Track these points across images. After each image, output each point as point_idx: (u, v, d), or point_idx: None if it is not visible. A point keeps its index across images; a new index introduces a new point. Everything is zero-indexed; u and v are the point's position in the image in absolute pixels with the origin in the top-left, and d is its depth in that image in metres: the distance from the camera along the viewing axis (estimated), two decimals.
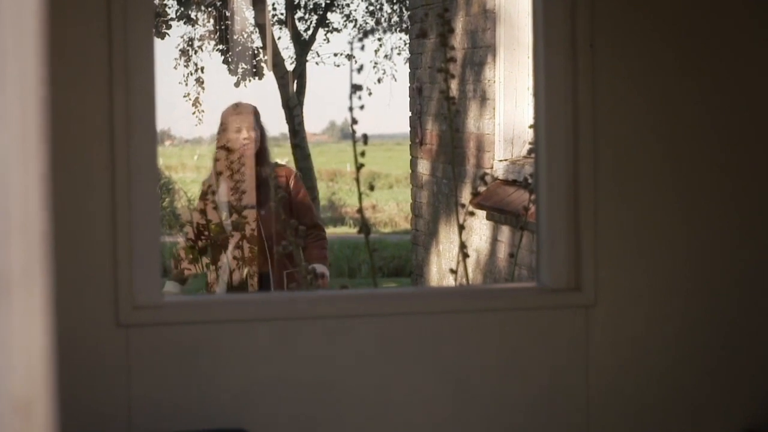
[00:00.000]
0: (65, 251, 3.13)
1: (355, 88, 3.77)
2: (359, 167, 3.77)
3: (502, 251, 5.88)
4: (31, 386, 0.89)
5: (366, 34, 3.80)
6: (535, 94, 3.46)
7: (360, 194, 3.79)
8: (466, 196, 5.23)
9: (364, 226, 3.85)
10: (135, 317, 3.17)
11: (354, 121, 3.76)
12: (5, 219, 0.88)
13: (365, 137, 3.76)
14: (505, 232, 5.90)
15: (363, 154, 3.77)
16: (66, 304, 3.13)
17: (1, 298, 0.87)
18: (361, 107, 3.75)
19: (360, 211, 3.82)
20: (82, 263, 3.14)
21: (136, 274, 3.18)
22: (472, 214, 3.96)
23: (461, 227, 3.94)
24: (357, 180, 3.80)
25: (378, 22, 3.58)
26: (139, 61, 3.18)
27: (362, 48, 3.80)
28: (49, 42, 3.08)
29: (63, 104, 3.12)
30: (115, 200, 3.14)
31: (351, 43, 3.74)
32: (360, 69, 3.80)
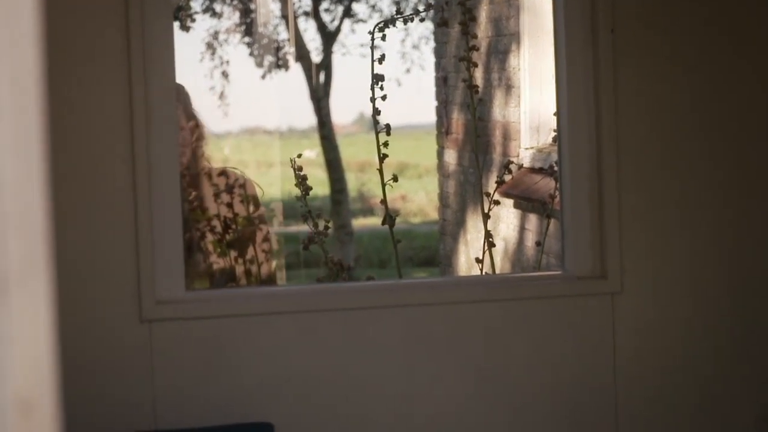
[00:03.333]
0: (87, 248, 3.13)
1: (377, 78, 3.76)
2: (383, 158, 3.75)
3: (530, 240, 5.85)
4: (34, 387, 0.88)
5: (386, 23, 3.77)
6: (557, 82, 3.43)
7: (384, 185, 3.77)
8: (491, 185, 5.19)
9: (389, 217, 3.83)
10: (158, 312, 3.16)
11: (377, 112, 3.74)
12: (2, 218, 0.87)
13: (388, 127, 3.74)
14: (532, 220, 5.87)
15: (386, 144, 3.75)
16: (89, 300, 3.13)
17: (1, 298, 0.86)
18: (383, 98, 3.73)
19: (384, 202, 3.80)
20: (105, 259, 3.14)
21: (158, 269, 3.17)
22: (497, 203, 3.94)
23: (486, 216, 3.92)
24: (380, 171, 3.78)
25: (398, 11, 3.56)
26: (158, 55, 3.17)
27: (383, 38, 3.76)
28: (67, 38, 3.07)
29: (82, 100, 3.11)
30: (137, 195, 3.14)
31: (372, 33, 3.72)
32: (381, 59, 3.78)
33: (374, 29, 3.74)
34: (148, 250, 3.15)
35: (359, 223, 14.64)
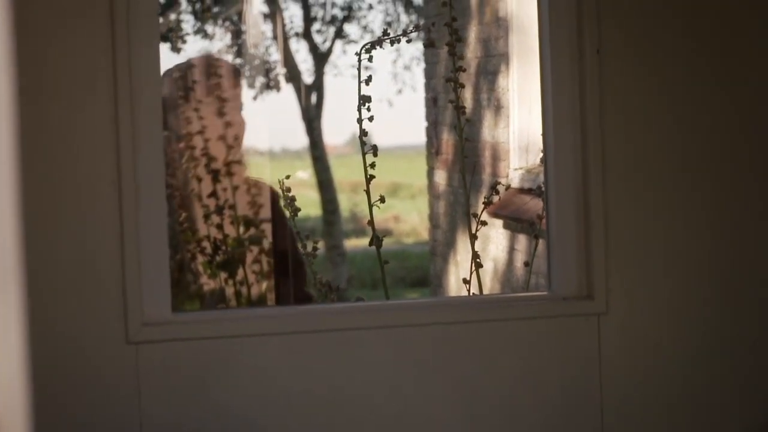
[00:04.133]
0: (73, 268, 3.12)
1: (365, 99, 3.76)
2: (370, 179, 3.75)
3: (520, 260, 5.86)
4: (4, 405, 0.88)
5: (374, 45, 3.78)
6: (543, 102, 3.44)
7: (371, 206, 3.78)
8: (480, 205, 5.20)
9: (376, 238, 3.83)
10: (144, 334, 3.16)
11: (364, 133, 3.74)
12: None
13: (375, 148, 3.75)
14: (522, 240, 5.88)
15: (373, 165, 3.76)
16: (75, 321, 3.13)
17: None
18: (371, 119, 3.73)
19: (371, 223, 3.80)
20: (91, 280, 3.14)
21: (145, 291, 3.17)
22: (484, 223, 3.94)
23: (474, 237, 3.92)
24: (367, 192, 3.79)
25: (386, 33, 3.57)
26: (144, 76, 3.18)
27: (370, 59, 3.78)
28: (54, 61, 3.07)
29: (69, 122, 3.12)
30: (123, 216, 3.14)
31: (359, 54, 3.73)
32: (368, 80, 3.78)
33: (361, 50, 3.75)
34: (134, 271, 3.15)
35: (352, 243, 14.63)
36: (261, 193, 4.62)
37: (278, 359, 3.26)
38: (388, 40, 3.86)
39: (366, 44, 3.79)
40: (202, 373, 3.21)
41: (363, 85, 3.79)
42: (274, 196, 4.39)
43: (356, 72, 3.77)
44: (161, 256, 3.20)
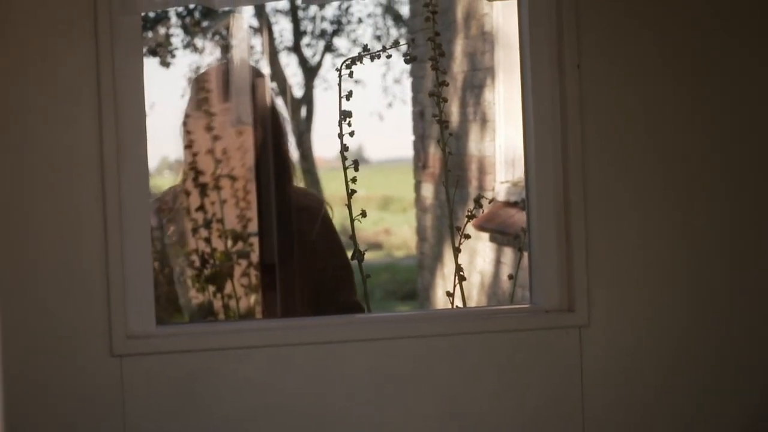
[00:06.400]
0: (57, 282, 3.14)
1: (345, 114, 3.79)
2: (351, 193, 3.79)
3: (505, 273, 5.89)
4: None
5: (354, 60, 3.82)
6: (524, 116, 3.48)
7: (352, 220, 3.81)
8: (461, 219, 5.23)
9: (357, 251, 3.86)
10: (129, 347, 3.18)
11: (345, 148, 3.77)
12: None
13: (356, 163, 3.78)
14: (508, 253, 5.91)
15: (354, 180, 3.79)
16: (59, 335, 3.14)
17: None
18: (351, 134, 3.76)
19: (353, 237, 3.84)
20: (75, 294, 3.16)
21: (129, 304, 3.19)
22: (468, 237, 3.97)
23: (457, 250, 3.95)
24: (349, 206, 3.82)
25: (365, 48, 3.60)
26: (129, 91, 3.20)
27: (350, 75, 3.81)
28: (37, 76, 3.10)
29: (52, 138, 3.14)
30: (107, 230, 3.16)
31: (339, 69, 3.76)
32: (349, 96, 3.80)
33: (342, 66, 3.78)
34: (119, 284, 3.17)
35: None
36: (311, 203, 4.59)
37: (261, 372, 3.28)
38: (369, 56, 3.89)
39: (346, 59, 3.82)
40: (187, 386, 3.23)
41: (344, 100, 3.81)
42: (323, 209, 4.41)
43: (345, 86, 3.80)
44: (145, 270, 3.23)
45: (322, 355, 3.32)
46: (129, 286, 3.19)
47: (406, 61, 4.23)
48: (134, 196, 3.21)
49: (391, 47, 3.95)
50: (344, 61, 3.79)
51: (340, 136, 3.74)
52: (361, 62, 3.81)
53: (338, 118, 3.74)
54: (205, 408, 3.24)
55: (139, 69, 3.23)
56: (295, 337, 3.33)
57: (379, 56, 3.86)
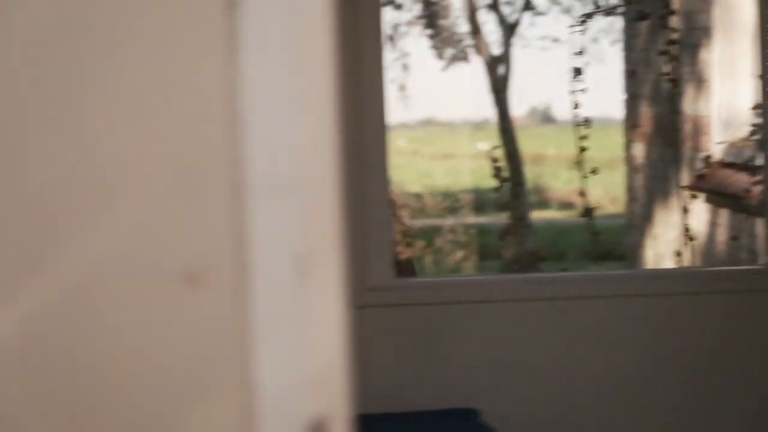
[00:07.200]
0: None
1: (577, 71, 3.80)
2: (582, 150, 3.80)
3: (721, 234, 5.80)
4: (329, 360, 0.93)
5: (588, 16, 3.80)
6: (762, 76, 3.43)
7: (584, 177, 3.82)
8: (685, 178, 5.18)
9: (586, 209, 3.88)
10: (369, 298, 3.26)
11: (576, 105, 3.78)
12: (304, 205, 0.92)
13: (587, 120, 3.79)
14: (723, 215, 5.81)
15: (585, 137, 3.80)
16: None
17: (302, 280, 0.90)
18: (583, 90, 3.77)
19: (583, 194, 3.85)
20: None
21: (370, 257, 3.27)
22: (694, 197, 3.94)
23: (685, 210, 3.93)
24: (579, 163, 3.83)
25: (597, 6, 3.60)
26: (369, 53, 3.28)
27: (583, 32, 3.82)
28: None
29: None
30: (350, 187, 3.25)
31: (572, 27, 3.77)
32: (581, 52, 3.82)
33: (577, 22, 3.79)
34: (359, 238, 3.25)
35: (535, 215, 14.59)
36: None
37: (496, 326, 3.35)
38: (601, 12, 3.89)
39: (581, 16, 3.82)
40: (423, 337, 3.34)
41: (575, 57, 3.82)
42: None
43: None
44: (385, 224, 3.31)
45: (555, 310, 3.35)
46: (369, 239, 3.28)
47: (636, 19, 4.21)
48: (375, 153, 3.28)
49: (623, 4, 3.94)
50: (579, 17, 3.80)
51: (572, 92, 3.75)
52: (593, 18, 3.81)
53: (572, 75, 3.75)
54: (440, 359, 3.32)
55: (378, 35, 3.28)
56: (531, 292, 3.37)
57: (612, 13, 3.87)
